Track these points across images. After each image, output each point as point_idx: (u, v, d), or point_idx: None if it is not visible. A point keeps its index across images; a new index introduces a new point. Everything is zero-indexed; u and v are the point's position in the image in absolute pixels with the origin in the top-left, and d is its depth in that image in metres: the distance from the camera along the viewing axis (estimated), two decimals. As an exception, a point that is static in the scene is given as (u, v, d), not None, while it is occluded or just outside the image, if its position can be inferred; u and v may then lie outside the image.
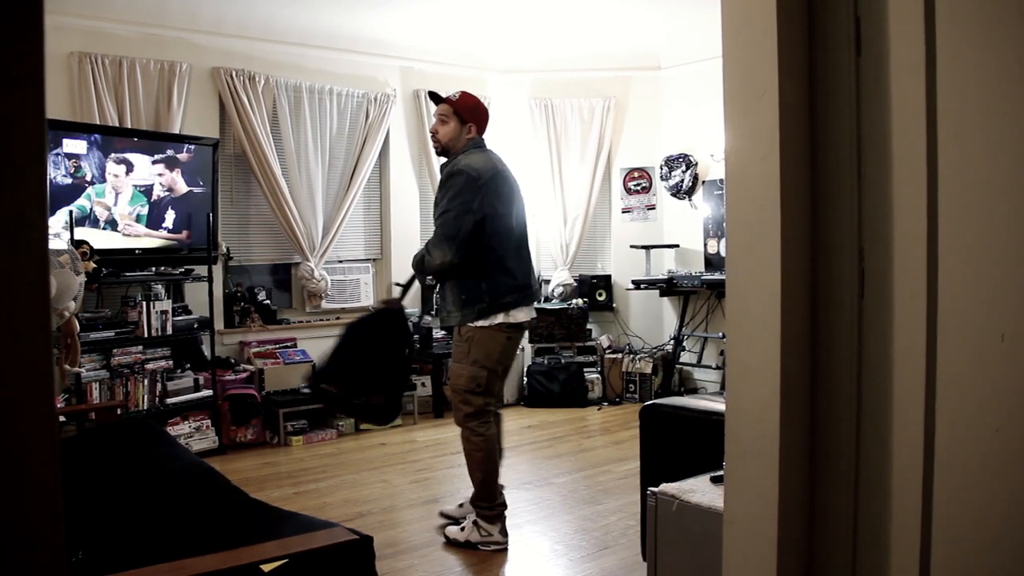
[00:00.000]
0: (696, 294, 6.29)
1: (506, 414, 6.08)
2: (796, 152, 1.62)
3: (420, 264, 3.37)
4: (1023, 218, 1.36)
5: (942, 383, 1.46)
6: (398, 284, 3.70)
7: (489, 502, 3.37)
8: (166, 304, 4.84)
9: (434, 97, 3.49)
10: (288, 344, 5.61)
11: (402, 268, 6.31)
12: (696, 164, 6.45)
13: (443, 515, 3.64)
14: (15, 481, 0.70)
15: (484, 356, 3.34)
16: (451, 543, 3.38)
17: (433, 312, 3.60)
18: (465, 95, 3.45)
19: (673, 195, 6.63)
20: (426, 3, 5.33)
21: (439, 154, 3.48)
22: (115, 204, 4.65)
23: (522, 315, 3.38)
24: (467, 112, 3.41)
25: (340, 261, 6.06)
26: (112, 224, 4.65)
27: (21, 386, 0.70)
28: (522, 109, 6.71)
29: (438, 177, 6.26)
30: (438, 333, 6.15)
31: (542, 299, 6.80)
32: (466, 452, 3.39)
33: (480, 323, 3.28)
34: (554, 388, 6.24)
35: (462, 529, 3.40)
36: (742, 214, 1.68)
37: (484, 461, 3.35)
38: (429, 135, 3.56)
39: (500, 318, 3.32)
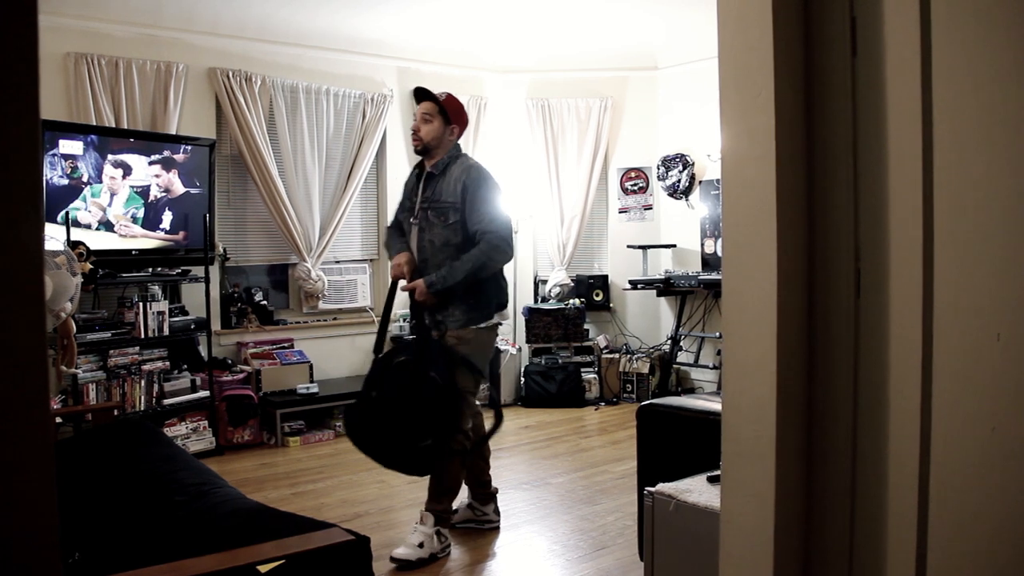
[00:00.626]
0: (693, 294, 6.29)
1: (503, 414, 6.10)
2: (792, 152, 1.62)
3: (478, 270, 3.17)
4: (1019, 218, 1.36)
5: (938, 382, 1.46)
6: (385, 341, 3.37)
7: (451, 506, 3.34)
8: (163, 305, 4.84)
9: (419, 94, 3.37)
10: (285, 345, 5.61)
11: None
12: (693, 164, 6.45)
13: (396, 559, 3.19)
14: (9, 482, 0.70)
15: (483, 358, 3.34)
16: (414, 566, 3.14)
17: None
18: (451, 96, 3.37)
19: (670, 195, 6.63)
20: (423, 3, 5.33)
21: (418, 152, 3.35)
22: (110, 205, 4.65)
23: (504, 317, 3.42)
24: (453, 113, 3.31)
25: (337, 261, 6.06)
26: (107, 225, 4.64)
27: (15, 387, 0.70)
28: (519, 109, 6.71)
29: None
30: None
31: (539, 299, 6.81)
32: (453, 456, 3.26)
33: (482, 325, 3.28)
34: (551, 388, 6.24)
35: (420, 546, 3.18)
36: (738, 214, 1.68)
37: (463, 463, 3.35)
38: (410, 132, 3.40)
39: (496, 318, 3.34)
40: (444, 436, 3.12)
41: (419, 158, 3.40)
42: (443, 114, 3.28)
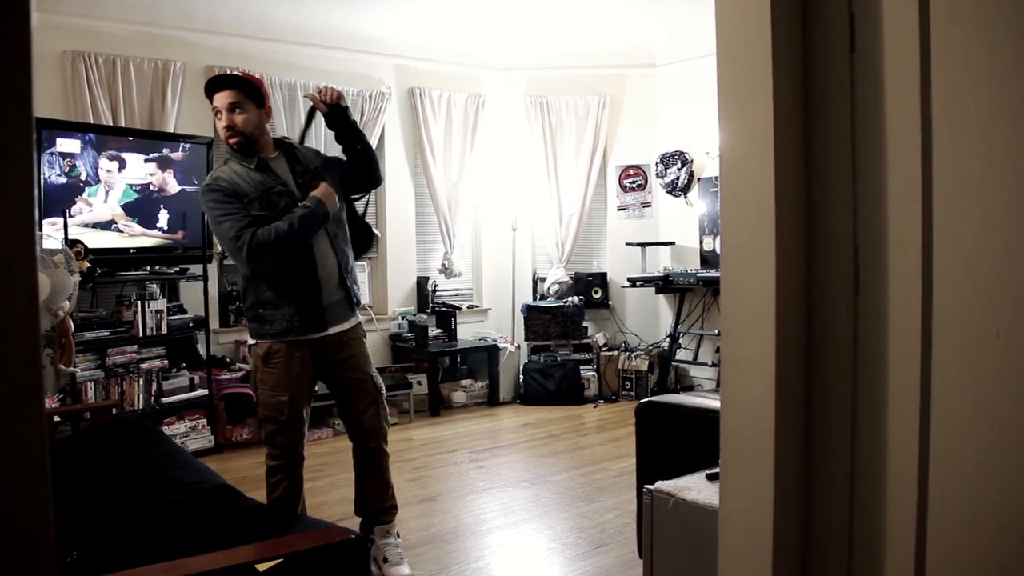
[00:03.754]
0: (692, 291, 6.29)
1: (502, 412, 6.11)
2: (791, 149, 1.62)
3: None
4: (1018, 215, 1.36)
5: (938, 380, 1.46)
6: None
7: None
8: (161, 303, 4.83)
9: (217, 83, 2.84)
10: (284, 343, 5.60)
11: (398, 267, 6.30)
12: (691, 161, 6.45)
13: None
14: (4, 482, 0.70)
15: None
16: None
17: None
18: (250, 75, 2.99)
19: (669, 192, 6.63)
20: (421, 1, 5.32)
21: (240, 148, 2.83)
22: (106, 202, 4.64)
23: None
24: (265, 95, 2.92)
25: (336, 260, 6.04)
26: (105, 223, 4.63)
27: (10, 385, 0.69)
28: (517, 107, 6.71)
29: (435, 177, 6.30)
30: (434, 331, 6.15)
31: (538, 297, 6.81)
32: (385, 464, 3.09)
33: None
34: (550, 386, 6.24)
35: (401, 558, 3.02)
36: (737, 211, 1.68)
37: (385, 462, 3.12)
38: (224, 130, 2.82)
39: None
40: None
41: (226, 160, 2.90)
42: (253, 98, 2.83)
